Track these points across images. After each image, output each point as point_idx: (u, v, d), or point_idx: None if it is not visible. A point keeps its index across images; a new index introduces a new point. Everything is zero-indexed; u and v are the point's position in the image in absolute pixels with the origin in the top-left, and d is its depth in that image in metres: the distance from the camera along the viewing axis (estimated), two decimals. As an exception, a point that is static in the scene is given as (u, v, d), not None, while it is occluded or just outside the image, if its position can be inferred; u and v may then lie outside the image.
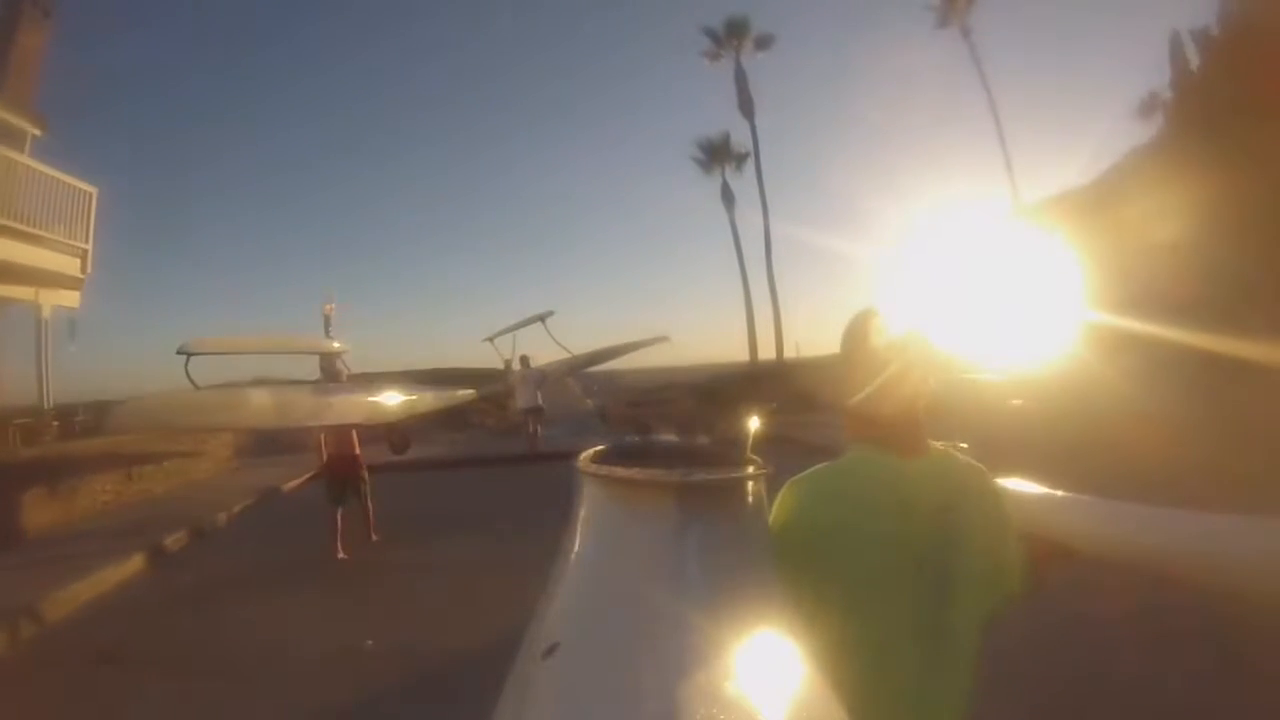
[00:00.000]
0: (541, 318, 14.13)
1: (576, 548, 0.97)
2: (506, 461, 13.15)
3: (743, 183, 30.57)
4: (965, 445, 1.29)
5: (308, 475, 11.72)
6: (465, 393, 11.37)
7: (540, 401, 13.59)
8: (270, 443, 15.00)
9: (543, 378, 13.56)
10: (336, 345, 8.76)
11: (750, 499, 1.01)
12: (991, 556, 1.22)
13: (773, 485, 1.12)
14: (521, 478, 11.62)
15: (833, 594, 1.11)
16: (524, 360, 14.02)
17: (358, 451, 7.21)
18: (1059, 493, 1.96)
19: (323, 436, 7.19)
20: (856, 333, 1.24)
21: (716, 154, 30.37)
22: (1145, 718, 3.16)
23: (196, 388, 6.24)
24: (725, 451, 1.12)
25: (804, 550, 1.12)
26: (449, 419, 15.96)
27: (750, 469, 1.04)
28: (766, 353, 28.74)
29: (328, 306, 9.14)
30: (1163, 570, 1.74)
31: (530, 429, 13.63)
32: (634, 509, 0.93)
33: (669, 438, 1.18)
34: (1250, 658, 3.12)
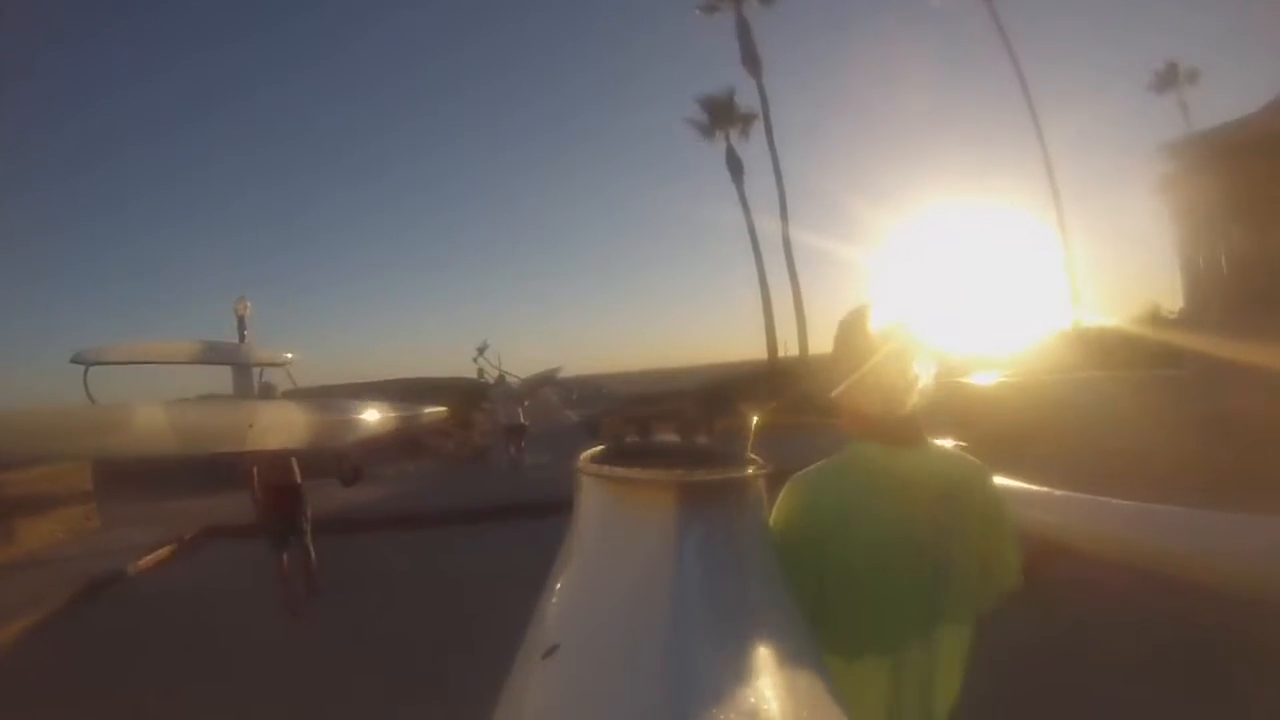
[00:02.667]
0: (480, 350, 14.02)
1: (576, 548, 0.97)
2: (482, 517, 8.64)
3: (748, 151, 25.74)
4: (964, 444, 1.29)
5: (170, 546, 7.87)
6: (433, 410, 9.48)
7: (523, 419, 12.39)
8: (164, 483, 10.51)
9: (526, 393, 12.72)
10: (287, 355, 7.29)
11: (750, 498, 1.01)
12: (989, 549, 1.23)
13: (773, 484, 1.12)
14: (503, 547, 7.04)
15: (835, 588, 1.12)
16: (501, 377, 13.54)
17: (299, 481, 5.85)
18: (1057, 491, 1.98)
19: (254, 467, 5.79)
20: (851, 329, 1.25)
21: (719, 114, 25.56)
22: (1142, 716, 3.17)
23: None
24: (725, 451, 1.12)
25: (807, 546, 1.13)
26: (400, 444, 12.67)
27: (750, 469, 1.04)
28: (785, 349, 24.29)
29: (240, 304, 7.03)
30: (1160, 568, 1.75)
31: (512, 450, 12.21)
32: (634, 509, 0.93)
33: (669, 438, 1.18)
34: (1246, 654, 3.13)
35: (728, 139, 25.66)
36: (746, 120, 25.47)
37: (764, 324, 24.41)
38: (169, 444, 5.27)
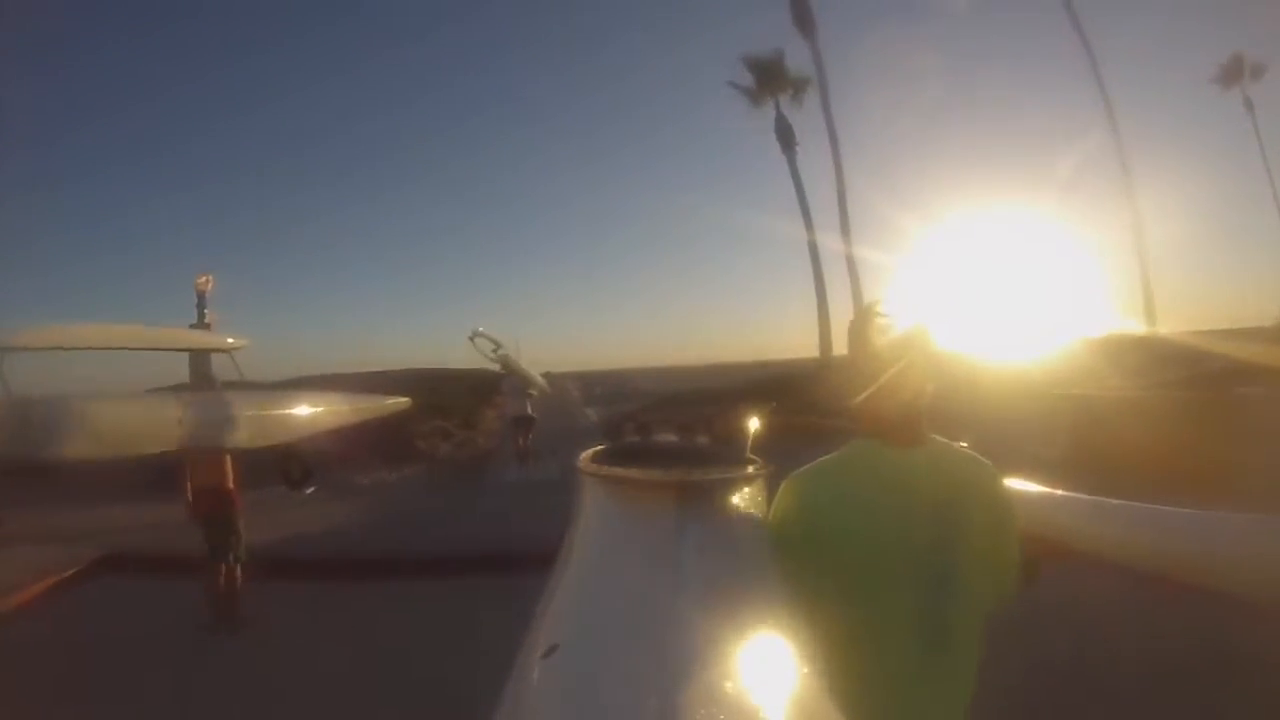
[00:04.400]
0: (471, 337, 11.93)
1: (576, 548, 0.97)
2: (437, 569, 5.78)
3: (800, 119, 22.02)
4: (965, 444, 1.29)
5: (51, 580, 5.60)
6: (394, 401, 8.15)
7: (531, 410, 11.68)
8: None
9: (529, 383, 11.53)
10: (230, 340, 6.33)
11: (749, 498, 1.01)
12: (991, 549, 1.22)
13: (772, 484, 1.12)
14: (453, 622, 4.50)
15: (834, 585, 1.11)
16: (505, 358, 12.32)
17: (231, 485, 5.18)
18: (1059, 492, 1.97)
19: (188, 467, 5.21)
20: (859, 329, 1.24)
21: (767, 78, 22.06)
22: (1141, 716, 3.17)
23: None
24: (725, 451, 1.13)
25: (806, 543, 1.12)
26: (384, 446, 10.07)
27: (749, 469, 1.04)
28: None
29: (202, 279, 6.05)
30: (1161, 568, 1.75)
31: (519, 443, 11.57)
32: (634, 509, 0.93)
33: (669, 438, 1.18)
34: (1248, 656, 3.12)
35: (777, 106, 21.95)
36: (798, 86, 21.82)
37: (817, 317, 20.91)
38: (83, 446, 4.66)
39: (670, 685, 0.69)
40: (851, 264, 20.09)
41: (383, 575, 5.71)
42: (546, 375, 13.34)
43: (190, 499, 5.08)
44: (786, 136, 21.80)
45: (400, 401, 8.52)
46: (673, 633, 0.76)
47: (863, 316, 1.24)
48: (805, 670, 0.78)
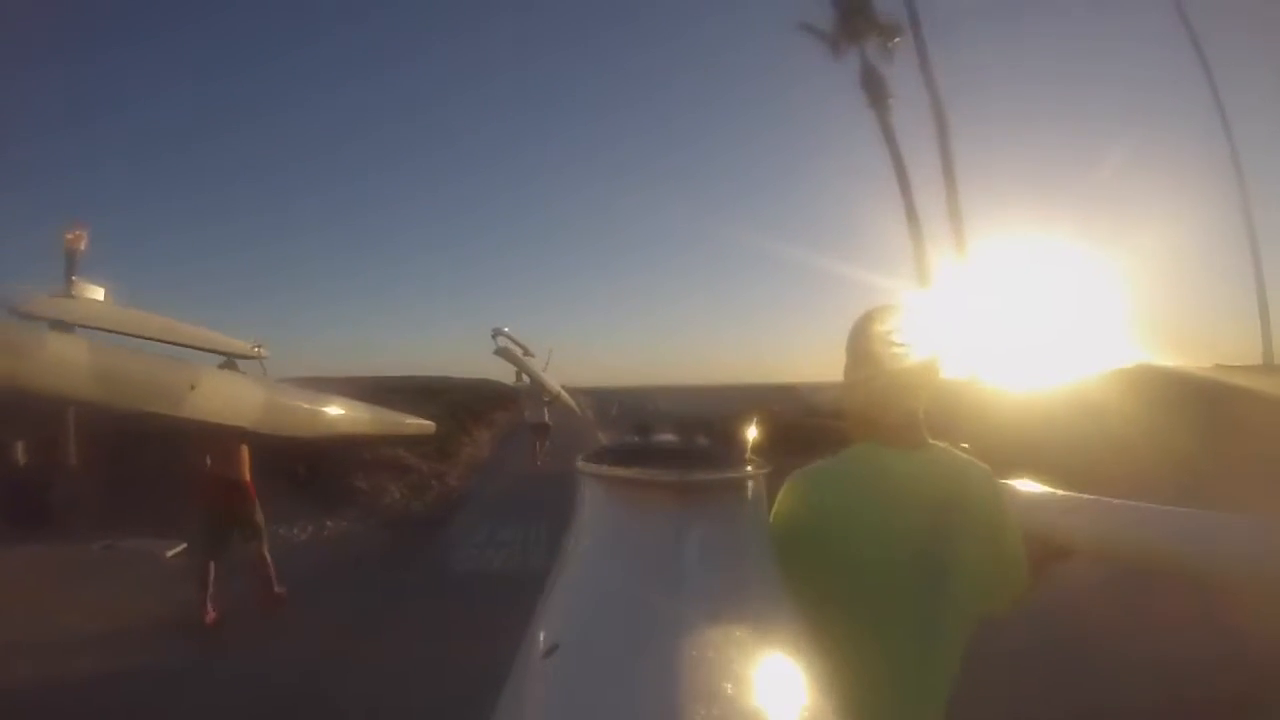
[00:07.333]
0: (494, 335, 11.53)
1: (576, 548, 0.97)
2: None
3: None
4: (966, 445, 1.29)
5: None
6: (417, 423, 7.21)
7: (548, 419, 12.43)
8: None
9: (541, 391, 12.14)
10: (256, 347, 5.74)
11: (750, 498, 1.01)
12: (990, 552, 1.23)
13: (773, 484, 1.12)
14: None
15: (833, 586, 1.12)
16: (519, 375, 13.48)
17: (248, 477, 5.10)
18: (1059, 492, 1.98)
19: (204, 455, 5.04)
20: (861, 334, 1.25)
21: (852, 20, 18.32)
22: (1139, 716, 3.17)
23: None
24: (725, 451, 1.13)
25: (806, 544, 1.13)
26: (314, 484, 8.05)
27: (750, 468, 1.04)
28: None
29: (72, 235, 5.15)
30: (1163, 568, 1.76)
31: (536, 447, 12.34)
32: (634, 509, 0.93)
33: (668, 437, 1.18)
34: (1248, 656, 3.12)
35: (862, 54, 18.18)
36: (888, 33, 18.15)
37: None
38: (87, 388, 4.21)
39: (670, 685, 0.68)
40: (961, 242, 16.30)
41: None
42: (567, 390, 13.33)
43: (204, 488, 4.95)
44: (876, 88, 17.76)
45: (424, 425, 7.35)
46: (673, 633, 0.76)
47: (866, 320, 1.26)
48: (806, 670, 0.78)
